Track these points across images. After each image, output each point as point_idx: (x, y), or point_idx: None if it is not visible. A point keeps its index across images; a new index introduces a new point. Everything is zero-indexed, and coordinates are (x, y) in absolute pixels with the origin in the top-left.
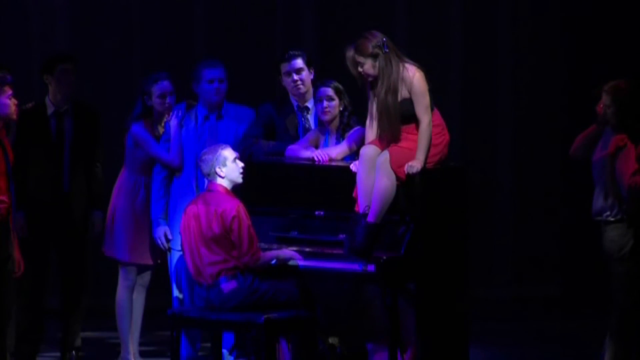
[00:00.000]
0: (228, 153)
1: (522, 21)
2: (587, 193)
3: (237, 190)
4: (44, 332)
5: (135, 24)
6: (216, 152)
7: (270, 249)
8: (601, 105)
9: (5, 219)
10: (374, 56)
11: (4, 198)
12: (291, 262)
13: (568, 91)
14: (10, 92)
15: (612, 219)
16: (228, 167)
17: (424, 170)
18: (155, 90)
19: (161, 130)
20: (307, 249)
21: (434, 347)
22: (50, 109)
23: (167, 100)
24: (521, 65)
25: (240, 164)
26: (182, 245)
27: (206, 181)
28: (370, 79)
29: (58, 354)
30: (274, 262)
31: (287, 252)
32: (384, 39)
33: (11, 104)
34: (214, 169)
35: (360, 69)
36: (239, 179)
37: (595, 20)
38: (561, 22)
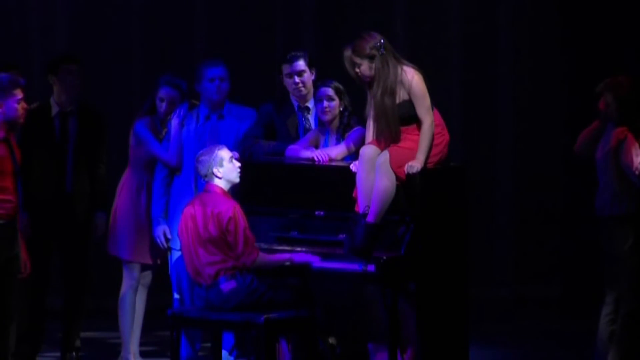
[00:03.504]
0: (224, 153)
1: (522, 21)
2: (588, 193)
3: (236, 190)
4: (45, 332)
5: (136, 23)
6: (212, 153)
7: (271, 249)
8: (603, 102)
9: (12, 218)
10: (371, 57)
11: (11, 198)
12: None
13: (568, 90)
14: (19, 96)
15: (614, 215)
16: (225, 168)
17: (424, 170)
18: (160, 90)
19: (165, 130)
20: (307, 249)
21: (434, 347)
22: (54, 110)
23: (163, 105)
24: (521, 64)
25: (237, 164)
26: (181, 246)
27: (204, 181)
28: (366, 80)
29: (58, 354)
30: (287, 263)
31: (303, 256)
32: (382, 41)
33: (19, 107)
34: (211, 169)
35: (357, 70)
36: (237, 179)
37: (595, 20)
38: (561, 21)
